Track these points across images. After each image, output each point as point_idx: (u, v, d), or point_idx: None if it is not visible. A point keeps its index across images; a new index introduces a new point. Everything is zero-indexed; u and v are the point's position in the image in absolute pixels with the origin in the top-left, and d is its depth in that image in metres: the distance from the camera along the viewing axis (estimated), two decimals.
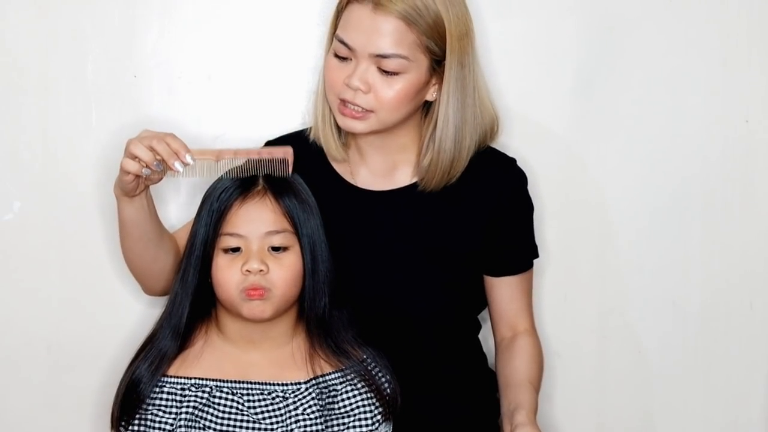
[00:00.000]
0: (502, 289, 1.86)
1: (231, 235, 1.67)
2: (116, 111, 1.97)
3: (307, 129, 1.85)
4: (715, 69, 2.04)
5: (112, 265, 1.99)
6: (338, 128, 1.79)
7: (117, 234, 1.96)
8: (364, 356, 1.76)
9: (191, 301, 1.72)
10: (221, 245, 1.68)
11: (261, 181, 1.70)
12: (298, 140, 1.82)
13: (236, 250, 1.68)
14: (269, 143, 1.86)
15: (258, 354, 1.72)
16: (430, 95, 1.75)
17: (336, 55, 1.72)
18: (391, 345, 1.78)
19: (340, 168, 1.83)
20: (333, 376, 1.73)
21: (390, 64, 1.68)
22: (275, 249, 1.68)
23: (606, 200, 2.08)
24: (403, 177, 1.81)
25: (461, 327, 1.88)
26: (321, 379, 1.72)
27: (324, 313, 1.73)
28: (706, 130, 2.06)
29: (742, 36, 2.04)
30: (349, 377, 1.74)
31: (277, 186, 1.70)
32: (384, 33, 1.67)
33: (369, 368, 1.76)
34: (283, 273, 1.67)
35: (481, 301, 1.89)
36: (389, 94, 1.70)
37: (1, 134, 1.97)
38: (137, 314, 1.98)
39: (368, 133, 1.75)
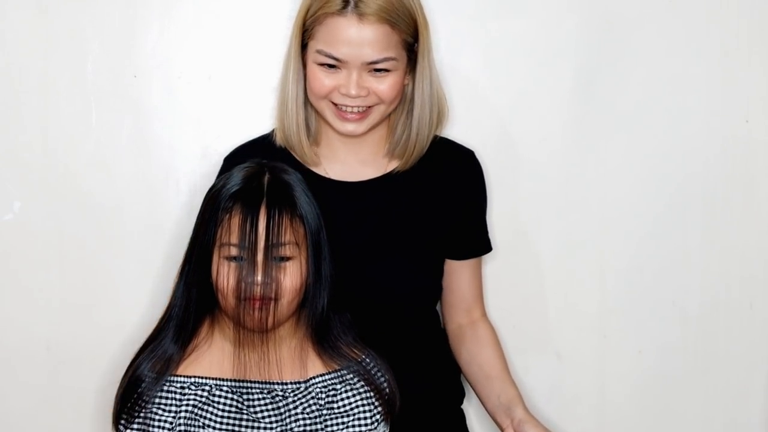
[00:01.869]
0: (463, 273, 1.96)
1: (233, 245, 1.67)
2: (116, 111, 1.98)
3: (268, 134, 1.90)
4: (715, 69, 2.05)
5: (112, 265, 2.00)
6: (307, 132, 1.88)
7: (117, 234, 1.97)
8: (363, 356, 1.77)
9: (194, 301, 1.72)
10: (223, 253, 1.68)
11: (265, 191, 1.69)
12: (260, 146, 1.89)
13: (238, 258, 1.67)
14: (228, 158, 1.90)
15: (258, 353, 1.72)
16: (407, 79, 1.86)
17: (321, 65, 1.79)
18: (364, 330, 1.84)
19: (312, 165, 1.90)
20: (332, 375, 1.74)
21: (381, 66, 1.78)
22: (279, 259, 1.67)
23: (606, 200, 2.08)
24: (374, 168, 1.90)
25: (429, 312, 1.98)
26: (320, 379, 1.73)
27: (323, 314, 1.73)
28: (706, 129, 2.06)
29: (742, 36, 2.04)
30: (348, 377, 1.74)
31: (280, 197, 1.69)
32: (372, 41, 1.76)
33: (368, 368, 1.76)
34: (287, 281, 1.67)
35: (440, 288, 1.98)
36: (385, 90, 1.80)
37: (1, 134, 1.97)
38: (137, 314, 1.99)
39: (366, 131, 1.84)
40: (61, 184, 1.99)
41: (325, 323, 1.74)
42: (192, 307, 1.73)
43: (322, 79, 1.80)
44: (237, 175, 1.71)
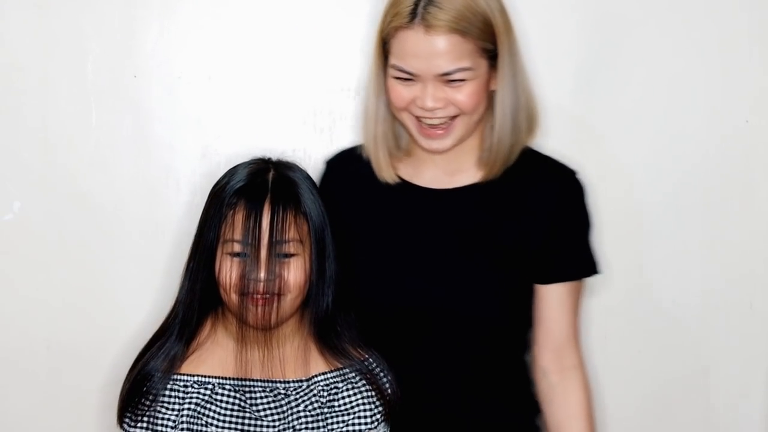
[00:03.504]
0: (550, 301, 1.80)
1: (237, 241, 1.67)
2: (116, 111, 1.98)
3: (357, 147, 1.86)
4: (715, 69, 2.05)
5: (111, 265, 2.00)
6: (396, 143, 1.82)
7: (117, 234, 1.97)
8: (366, 356, 1.77)
9: (199, 299, 1.73)
10: (226, 249, 1.68)
11: (269, 188, 1.69)
12: (352, 154, 1.86)
13: (242, 254, 1.67)
14: (331, 161, 1.89)
15: (261, 352, 1.72)
16: (493, 85, 1.77)
17: (398, 78, 1.73)
18: (436, 346, 1.78)
19: (401, 171, 1.84)
20: (334, 374, 1.74)
21: (455, 76, 1.70)
22: (282, 256, 1.67)
23: (606, 200, 2.08)
24: (466, 177, 1.81)
25: (512, 339, 1.83)
26: (322, 377, 1.73)
27: (327, 313, 1.73)
28: (706, 129, 2.06)
29: (742, 36, 2.05)
30: (350, 376, 1.74)
31: (284, 194, 1.69)
32: (442, 52, 1.68)
33: (371, 368, 1.76)
34: (290, 277, 1.67)
35: (529, 317, 1.84)
36: (464, 99, 1.72)
37: (1, 134, 1.97)
38: (137, 313, 1.99)
39: (453, 147, 1.77)
40: (61, 184, 1.99)
41: (329, 321, 1.74)
42: (196, 303, 1.73)
43: (400, 91, 1.73)
44: (242, 172, 1.72)
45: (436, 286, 1.78)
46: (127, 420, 1.71)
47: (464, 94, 1.71)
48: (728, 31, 2.04)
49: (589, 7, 2.03)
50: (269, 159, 1.76)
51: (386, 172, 1.80)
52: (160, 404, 1.70)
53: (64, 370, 2.02)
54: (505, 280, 1.78)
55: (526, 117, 1.79)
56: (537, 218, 1.78)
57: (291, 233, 1.67)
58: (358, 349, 1.77)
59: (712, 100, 2.05)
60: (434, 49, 1.68)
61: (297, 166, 1.76)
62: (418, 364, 1.80)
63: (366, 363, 1.76)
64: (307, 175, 1.75)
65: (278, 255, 1.67)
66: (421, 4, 1.69)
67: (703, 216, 2.07)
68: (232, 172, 1.73)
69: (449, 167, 1.82)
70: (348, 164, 1.86)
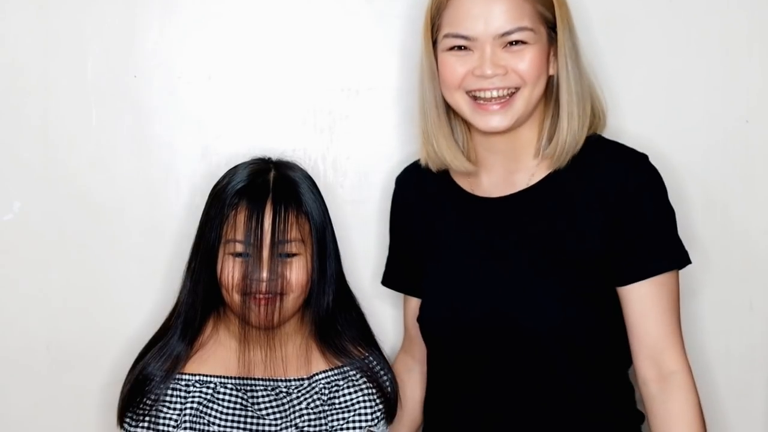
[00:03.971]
0: (635, 303, 1.63)
1: (239, 241, 1.67)
2: (116, 111, 1.98)
3: (418, 160, 1.81)
4: (715, 68, 2.05)
5: (112, 265, 2.00)
6: (457, 142, 1.73)
7: (117, 234, 1.97)
8: (367, 354, 1.77)
9: (201, 299, 1.73)
10: (228, 249, 1.68)
11: (270, 188, 1.69)
12: (417, 170, 1.82)
13: (244, 254, 1.67)
14: (400, 178, 1.86)
15: (263, 351, 1.73)
16: (552, 68, 1.68)
17: (450, 49, 1.65)
18: (507, 369, 1.65)
19: (462, 182, 1.76)
20: (335, 372, 1.75)
21: (516, 37, 1.62)
22: (284, 255, 1.68)
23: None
24: (521, 180, 1.71)
25: (596, 354, 1.66)
26: (323, 375, 1.74)
27: (328, 312, 1.74)
28: (706, 129, 2.06)
29: (742, 35, 2.04)
30: (351, 373, 1.75)
31: (286, 194, 1.69)
32: (502, 10, 1.62)
33: (371, 366, 1.76)
34: (292, 277, 1.68)
35: (619, 326, 1.68)
36: (526, 66, 1.63)
37: (1, 134, 1.97)
38: (137, 314, 1.99)
39: (512, 126, 1.66)
40: (61, 184, 1.99)
41: (329, 320, 1.75)
42: (198, 304, 1.73)
43: (453, 65, 1.64)
44: (242, 172, 1.72)
45: (501, 303, 1.66)
46: (128, 420, 1.71)
47: (526, 61, 1.62)
48: (728, 30, 2.04)
49: (590, 6, 2.03)
50: (269, 159, 1.77)
51: (463, 164, 1.71)
52: (162, 404, 1.70)
53: (64, 370, 2.02)
54: (577, 288, 1.63)
55: (591, 102, 1.69)
56: (602, 212, 1.63)
57: (293, 233, 1.68)
58: (359, 348, 1.77)
59: (712, 100, 2.05)
60: (493, 6, 1.61)
61: (297, 166, 1.77)
62: (487, 394, 1.68)
63: (366, 361, 1.77)
64: (307, 174, 1.76)
65: (280, 255, 1.67)
66: None
67: (703, 216, 2.07)
68: (233, 172, 1.73)
69: (508, 166, 1.71)
70: (413, 179, 1.82)
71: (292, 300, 1.69)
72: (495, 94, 1.63)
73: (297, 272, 1.68)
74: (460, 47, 1.64)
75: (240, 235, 1.67)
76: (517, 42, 1.62)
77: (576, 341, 1.63)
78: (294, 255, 1.69)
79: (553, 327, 1.63)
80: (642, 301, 1.64)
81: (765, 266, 2.11)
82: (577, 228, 1.65)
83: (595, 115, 1.71)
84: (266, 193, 1.69)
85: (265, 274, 1.66)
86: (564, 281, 1.63)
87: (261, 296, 1.66)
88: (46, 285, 2.01)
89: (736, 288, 2.11)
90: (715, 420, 2.14)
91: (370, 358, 1.78)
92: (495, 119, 1.64)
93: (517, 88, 1.63)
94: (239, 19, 1.99)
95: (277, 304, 1.67)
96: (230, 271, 1.68)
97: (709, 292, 2.10)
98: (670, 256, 1.66)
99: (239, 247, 1.67)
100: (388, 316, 1.98)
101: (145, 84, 1.99)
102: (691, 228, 2.10)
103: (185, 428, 1.68)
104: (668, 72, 2.05)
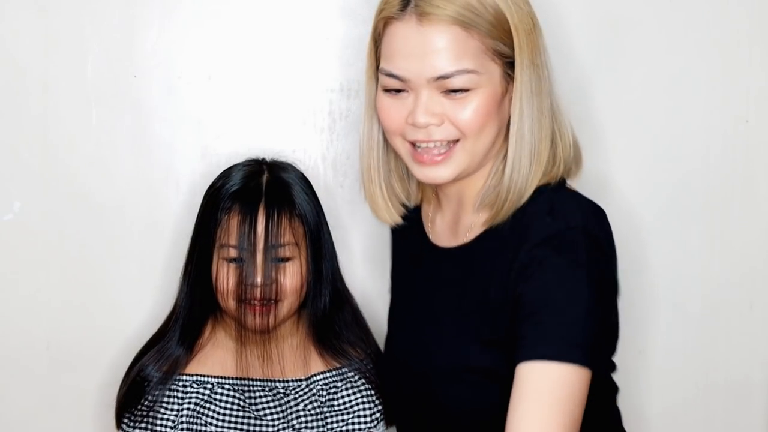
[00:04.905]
0: (515, 382, 1.35)
1: (233, 246, 1.67)
2: (116, 111, 1.98)
3: None
4: (715, 68, 2.05)
5: (111, 265, 2.00)
6: (392, 188, 1.54)
7: (117, 234, 1.96)
8: (365, 355, 1.77)
9: (198, 302, 1.73)
10: (222, 254, 1.68)
11: (263, 191, 1.69)
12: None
13: (238, 259, 1.67)
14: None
15: (260, 351, 1.73)
16: (509, 103, 1.44)
17: (387, 90, 1.42)
18: (427, 415, 1.52)
19: (425, 217, 1.59)
20: (333, 373, 1.75)
21: (456, 83, 1.37)
22: (278, 260, 1.67)
23: (606, 200, 2.07)
24: (462, 232, 1.51)
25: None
26: (321, 376, 1.74)
27: (325, 313, 1.74)
28: (706, 129, 2.06)
29: (742, 35, 2.04)
30: (349, 375, 1.75)
31: (279, 197, 1.69)
32: (439, 48, 1.36)
33: (370, 367, 1.76)
34: (287, 282, 1.68)
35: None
36: (467, 116, 1.39)
37: (1, 134, 1.97)
38: (137, 314, 1.99)
39: (455, 178, 1.44)
40: (61, 184, 1.99)
41: (326, 321, 1.75)
42: (196, 308, 1.73)
43: (389, 108, 1.41)
44: (236, 174, 1.72)
45: (414, 349, 1.54)
46: (125, 421, 1.71)
47: (467, 109, 1.38)
48: (728, 31, 2.04)
49: (590, 7, 2.03)
50: (263, 160, 1.76)
51: (384, 212, 1.54)
52: (159, 404, 1.70)
53: (63, 370, 2.02)
54: (476, 353, 1.43)
55: (552, 150, 1.44)
56: (510, 288, 1.39)
57: (286, 237, 1.67)
58: (357, 349, 1.77)
59: (712, 100, 2.05)
60: (428, 44, 1.35)
61: (291, 167, 1.76)
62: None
63: (365, 362, 1.76)
64: (302, 174, 1.75)
65: (274, 259, 1.67)
66: None
67: (703, 216, 2.07)
68: (226, 174, 1.73)
69: (456, 212, 1.52)
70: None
71: (288, 305, 1.69)
72: (431, 144, 1.41)
73: (291, 277, 1.68)
74: (396, 90, 1.41)
75: (233, 240, 1.67)
76: (458, 91, 1.37)
77: (484, 416, 1.43)
78: (288, 259, 1.68)
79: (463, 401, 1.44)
80: (515, 385, 1.34)
81: (765, 266, 2.11)
82: (490, 303, 1.42)
83: (555, 163, 1.45)
84: (259, 197, 1.68)
85: (259, 279, 1.65)
86: (463, 342, 1.44)
87: (256, 303, 1.66)
88: (45, 285, 2.01)
89: (736, 288, 2.10)
90: (715, 420, 2.13)
91: (369, 358, 1.78)
92: (434, 172, 1.42)
93: (457, 141, 1.41)
94: (239, 19, 1.99)
95: (273, 310, 1.67)
96: (224, 277, 1.68)
97: (709, 292, 2.10)
98: (552, 346, 1.33)
99: (233, 252, 1.67)
100: (387, 316, 1.98)
101: (145, 84, 1.99)
102: (691, 228, 2.10)
103: (182, 429, 1.68)
104: (668, 72, 2.05)
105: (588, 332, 1.34)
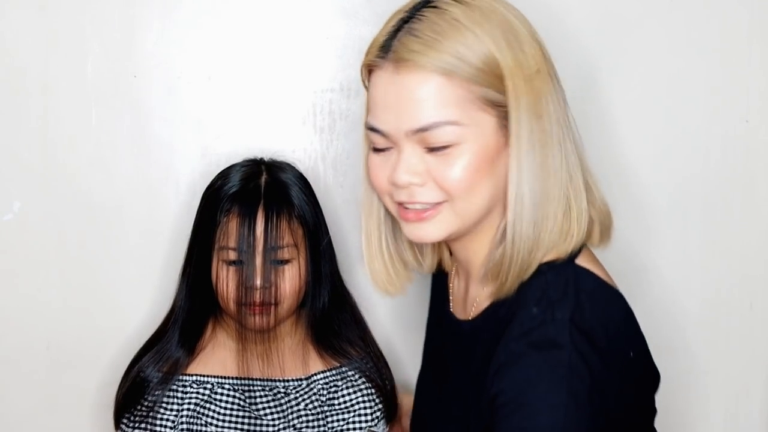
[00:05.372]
0: None
1: (232, 249, 1.67)
2: (116, 111, 1.98)
3: None
4: (715, 69, 2.05)
5: (111, 265, 2.00)
6: (399, 255, 1.38)
7: (117, 234, 1.96)
8: (365, 353, 1.77)
9: (199, 304, 1.73)
10: (222, 256, 1.68)
11: (262, 193, 1.69)
12: None
13: (237, 261, 1.67)
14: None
15: (260, 351, 1.73)
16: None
17: (375, 149, 1.29)
18: None
19: (450, 288, 1.46)
20: (333, 372, 1.75)
21: (437, 137, 1.22)
22: (278, 262, 1.67)
23: (606, 200, 2.07)
24: (469, 305, 1.37)
25: None
26: (321, 375, 1.74)
27: (324, 313, 1.74)
28: (706, 129, 2.06)
29: (742, 35, 2.04)
30: (349, 374, 1.75)
31: (277, 199, 1.69)
32: (417, 97, 1.21)
33: (369, 366, 1.76)
34: (286, 285, 1.67)
35: None
36: (453, 175, 1.22)
37: (1, 134, 1.97)
38: (137, 314, 1.99)
39: (446, 238, 1.29)
40: (61, 184, 1.99)
41: (326, 321, 1.75)
42: (196, 308, 1.73)
43: (376, 168, 1.27)
44: (234, 176, 1.72)
45: (428, 423, 1.44)
46: (125, 422, 1.71)
47: (453, 168, 1.21)
48: (728, 30, 2.04)
49: (590, 7, 2.03)
50: (261, 160, 1.76)
51: (385, 283, 1.38)
52: (159, 405, 1.70)
53: (63, 370, 2.02)
54: None
55: (566, 216, 1.25)
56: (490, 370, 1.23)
57: (286, 239, 1.67)
58: (357, 348, 1.77)
59: (712, 100, 2.05)
60: (406, 93, 1.20)
61: (289, 166, 1.76)
62: None
63: (365, 361, 1.76)
64: (300, 174, 1.75)
65: (273, 261, 1.67)
66: (398, 31, 1.23)
67: (703, 216, 2.07)
68: (225, 174, 1.73)
69: (465, 278, 1.37)
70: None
71: (287, 306, 1.69)
72: (418, 206, 1.25)
73: (290, 280, 1.68)
74: (382, 149, 1.27)
75: (233, 242, 1.67)
76: (441, 148, 1.21)
77: None
78: (287, 261, 1.68)
79: None
80: None
81: (765, 266, 2.11)
82: (483, 394, 1.25)
83: (569, 233, 1.27)
84: (258, 199, 1.68)
85: (258, 282, 1.65)
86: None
87: (256, 306, 1.66)
88: (45, 285, 2.01)
89: (736, 288, 2.10)
90: (715, 420, 2.13)
91: (369, 357, 1.78)
92: (421, 230, 1.26)
93: (444, 202, 1.25)
94: (239, 19, 1.99)
95: (272, 311, 1.67)
96: (225, 280, 1.68)
97: (709, 292, 2.10)
98: None
99: (232, 255, 1.67)
100: (387, 316, 1.98)
101: (144, 84, 1.99)
102: (691, 228, 2.10)
103: (182, 429, 1.68)
104: (668, 72, 2.05)
105: None
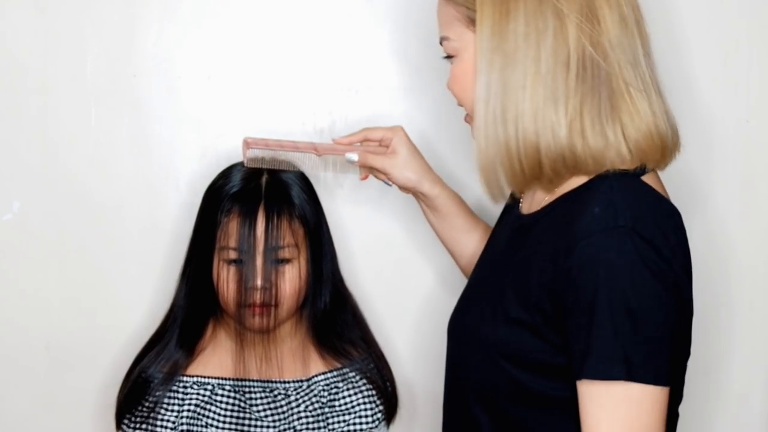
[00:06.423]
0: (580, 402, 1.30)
1: (232, 248, 1.66)
2: (116, 111, 1.98)
3: None
4: (715, 69, 2.05)
5: (111, 265, 2.00)
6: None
7: (117, 233, 1.96)
8: (366, 354, 1.77)
9: (199, 304, 1.72)
10: (222, 256, 1.68)
11: (263, 193, 1.68)
12: None
13: (238, 261, 1.67)
14: None
15: (260, 352, 1.72)
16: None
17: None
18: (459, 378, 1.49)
19: None
20: (334, 373, 1.74)
21: (444, 48, 1.44)
22: (278, 261, 1.67)
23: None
24: (538, 200, 1.46)
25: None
26: (322, 377, 1.73)
27: (324, 313, 1.73)
28: (706, 129, 2.05)
29: (742, 35, 2.04)
30: (350, 375, 1.74)
31: (278, 198, 1.69)
32: (438, 17, 1.45)
33: (370, 367, 1.76)
34: (286, 286, 1.67)
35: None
36: (449, 86, 1.46)
37: (1, 134, 1.97)
38: (137, 314, 1.99)
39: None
40: (61, 184, 1.99)
41: (326, 322, 1.74)
42: (196, 309, 1.73)
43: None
44: (235, 175, 1.72)
45: (458, 316, 1.52)
46: (125, 422, 1.71)
47: (450, 79, 1.44)
48: (728, 31, 2.04)
49: None
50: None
51: (496, 191, 1.42)
52: (160, 406, 1.70)
53: (63, 370, 2.02)
54: (502, 329, 1.38)
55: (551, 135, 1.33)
56: (551, 273, 1.31)
57: (286, 239, 1.67)
58: (358, 349, 1.77)
59: (712, 100, 2.05)
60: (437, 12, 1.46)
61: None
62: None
63: (366, 362, 1.76)
64: (301, 174, 1.75)
65: (274, 261, 1.66)
66: None
67: (703, 216, 2.07)
68: (226, 174, 1.73)
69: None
70: None
71: (287, 307, 1.69)
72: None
73: (291, 281, 1.68)
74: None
75: (233, 242, 1.67)
76: (448, 57, 1.46)
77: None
78: (288, 261, 1.68)
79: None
80: (581, 403, 1.28)
81: (765, 266, 2.10)
82: (529, 282, 1.34)
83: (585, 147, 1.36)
84: (258, 199, 1.68)
85: (259, 282, 1.65)
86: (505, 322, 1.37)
87: (256, 307, 1.66)
88: (45, 284, 2.01)
89: (736, 288, 2.10)
90: (715, 420, 2.13)
91: (370, 358, 1.77)
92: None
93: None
94: (239, 19, 1.99)
95: (272, 313, 1.67)
96: (225, 280, 1.67)
97: (709, 292, 2.10)
98: (584, 365, 1.25)
99: (233, 254, 1.67)
100: (387, 316, 1.98)
101: (144, 84, 1.99)
102: (690, 228, 2.10)
103: (182, 430, 1.68)
104: (668, 72, 2.05)
105: (620, 349, 1.25)
